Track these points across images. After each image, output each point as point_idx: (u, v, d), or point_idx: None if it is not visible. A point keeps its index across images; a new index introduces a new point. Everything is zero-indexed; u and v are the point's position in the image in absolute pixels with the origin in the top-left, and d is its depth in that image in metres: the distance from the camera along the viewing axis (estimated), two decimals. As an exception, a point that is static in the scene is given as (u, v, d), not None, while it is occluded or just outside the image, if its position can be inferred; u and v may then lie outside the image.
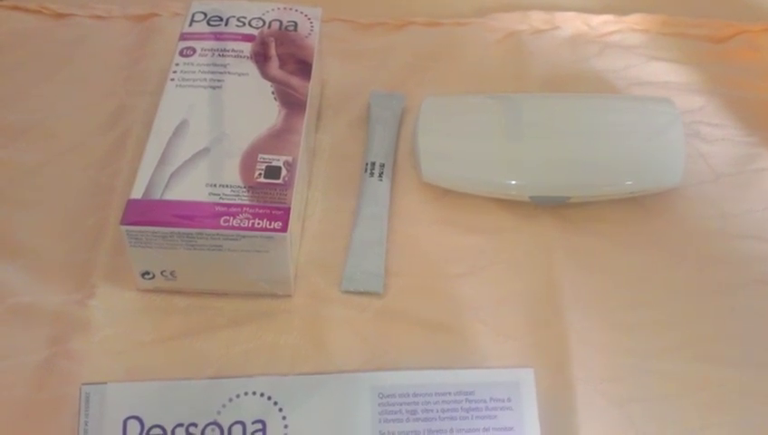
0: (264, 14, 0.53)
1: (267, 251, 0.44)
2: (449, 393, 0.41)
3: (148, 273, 0.45)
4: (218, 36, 0.52)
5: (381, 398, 0.41)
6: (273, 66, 0.50)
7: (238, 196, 0.44)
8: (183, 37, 0.52)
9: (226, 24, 0.52)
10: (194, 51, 0.51)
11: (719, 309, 0.47)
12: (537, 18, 0.62)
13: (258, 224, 0.43)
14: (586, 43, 0.60)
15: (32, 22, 0.61)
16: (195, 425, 0.40)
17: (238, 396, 0.41)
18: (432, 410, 0.40)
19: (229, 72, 0.50)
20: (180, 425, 0.40)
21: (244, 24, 0.52)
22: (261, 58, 0.51)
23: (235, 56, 0.50)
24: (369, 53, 0.60)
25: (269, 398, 0.41)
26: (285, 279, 0.46)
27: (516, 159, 0.50)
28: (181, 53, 0.51)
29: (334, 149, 0.54)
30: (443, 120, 0.52)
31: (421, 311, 0.46)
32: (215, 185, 0.44)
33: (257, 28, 0.52)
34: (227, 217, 0.43)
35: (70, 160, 0.53)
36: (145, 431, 0.40)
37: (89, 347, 0.44)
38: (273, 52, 0.51)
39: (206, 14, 0.53)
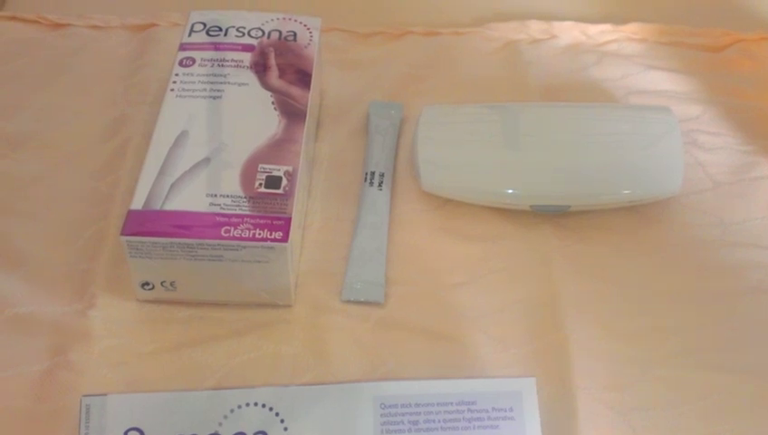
0: (263, 25, 0.53)
1: (268, 261, 0.43)
2: (451, 403, 0.41)
3: (148, 283, 0.45)
4: (218, 46, 0.52)
5: (383, 408, 0.41)
6: (273, 76, 0.50)
7: (239, 206, 0.44)
8: (182, 47, 0.52)
9: (226, 35, 0.52)
10: (193, 61, 0.51)
11: (719, 317, 0.47)
12: (535, 28, 0.62)
13: (259, 234, 0.43)
14: (584, 53, 0.61)
15: (30, 32, 0.61)
16: (196, 436, 0.40)
17: (240, 407, 0.40)
18: (434, 421, 0.40)
19: (229, 83, 0.50)
20: (181, 436, 0.40)
21: (244, 34, 0.52)
22: (260, 68, 0.51)
23: (234, 66, 0.51)
24: (368, 62, 0.60)
25: (270, 409, 0.40)
26: (286, 289, 0.46)
27: (516, 168, 0.50)
28: (181, 64, 0.51)
29: (334, 158, 0.54)
30: (442, 129, 0.52)
31: (422, 320, 0.46)
32: (215, 195, 0.44)
33: (257, 38, 0.52)
34: (228, 228, 0.43)
35: (69, 170, 0.53)
36: (146, 443, 0.39)
37: (89, 358, 0.44)
38: (272, 62, 0.51)
39: (205, 25, 0.53)
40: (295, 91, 0.50)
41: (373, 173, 0.52)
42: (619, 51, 0.61)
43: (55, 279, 0.47)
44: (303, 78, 0.50)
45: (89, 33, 0.61)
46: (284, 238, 0.43)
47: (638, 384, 0.44)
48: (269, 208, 0.44)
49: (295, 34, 0.53)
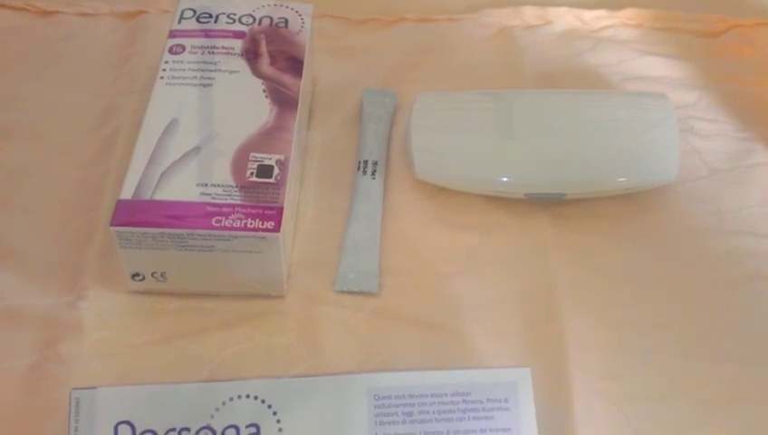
0: (254, 11, 0.52)
1: (260, 251, 0.43)
2: (446, 394, 0.40)
3: (138, 274, 0.45)
4: (208, 33, 0.51)
5: (377, 399, 0.40)
6: (264, 63, 0.50)
7: (230, 195, 0.43)
8: (172, 34, 0.51)
9: (216, 21, 0.52)
10: (183, 48, 0.50)
11: (715, 305, 0.47)
12: (530, 14, 0.61)
13: (250, 224, 0.42)
14: (579, 39, 0.60)
15: (17, 20, 0.60)
16: (187, 429, 0.39)
17: (231, 399, 0.40)
18: (428, 412, 0.40)
19: (220, 70, 0.49)
20: (173, 430, 0.39)
21: (235, 20, 0.52)
22: (252, 55, 0.50)
23: (225, 53, 0.50)
24: (361, 49, 0.59)
25: (263, 401, 0.40)
26: (278, 279, 0.45)
27: (511, 156, 0.50)
28: (170, 51, 0.50)
29: (326, 147, 0.53)
30: (436, 117, 0.52)
31: (416, 310, 0.46)
32: (206, 185, 0.44)
33: (248, 25, 0.52)
34: (219, 218, 0.42)
35: (58, 161, 0.52)
36: (137, 436, 0.39)
37: (79, 350, 0.43)
38: (263, 49, 0.50)
39: (195, 11, 0.52)
40: (287, 78, 0.49)
41: (366, 162, 0.51)
42: (615, 36, 0.60)
43: (45, 271, 0.47)
44: (295, 65, 0.50)
45: (78, 21, 0.60)
46: (276, 228, 0.42)
47: (634, 374, 0.44)
48: (261, 198, 0.43)
49: (287, 21, 0.52)
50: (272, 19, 0.52)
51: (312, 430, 0.39)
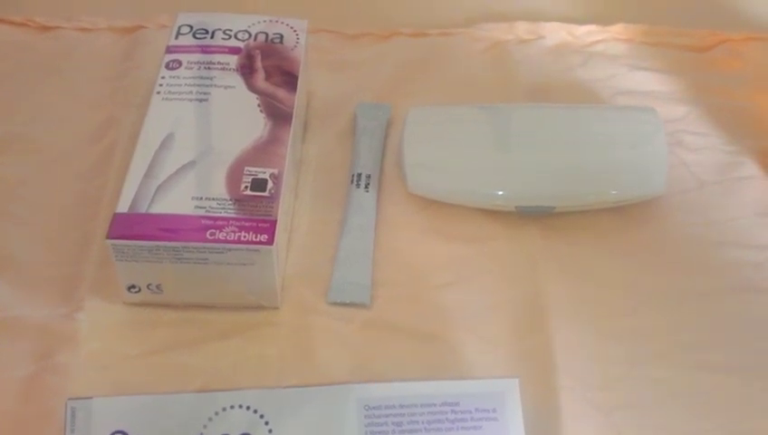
0: (250, 27, 0.53)
1: (254, 264, 0.44)
2: (435, 405, 0.41)
3: (134, 286, 0.45)
4: (204, 49, 0.52)
5: (368, 410, 0.41)
6: (260, 78, 0.50)
7: (224, 209, 0.44)
8: (169, 50, 0.52)
9: (212, 37, 0.52)
10: (180, 64, 0.51)
11: (705, 316, 0.47)
12: (522, 28, 0.62)
13: (244, 237, 0.43)
14: (570, 53, 0.61)
15: (17, 34, 0.61)
16: (181, 439, 0.40)
17: (225, 409, 0.41)
18: (418, 422, 0.41)
19: (215, 85, 0.50)
20: (167, 439, 0.40)
21: (231, 36, 0.52)
22: (247, 70, 0.51)
23: (221, 69, 0.51)
24: (356, 64, 0.60)
25: (255, 411, 0.41)
26: (272, 291, 0.46)
27: (502, 169, 0.50)
28: (167, 66, 0.51)
29: (321, 160, 0.54)
30: (429, 130, 0.52)
31: (408, 321, 0.47)
32: (201, 198, 0.44)
33: (243, 41, 0.52)
34: (213, 231, 0.43)
35: (56, 173, 0.53)
36: (132, 446, 0.40)
37: (75, 361, 0.44)
38: (259, 64, 0.51)
39: (192, 27, 0.53)
40: (282, 93, 0.50)
41: (360, 175, 0.52)
42: (606, 51, 0.61)
43: (42, 282, 0.47)
44: (290, 80, 0.51)
45: (77, 36, 0.61)
46: (270, 241, 0.43)
47: (623, 383, 0.44)
48: (255, 211, 0.44)
49: (282, 37, 0.53)
50: (267, 35, 0.53)
51: (304, 439, 0.40)
